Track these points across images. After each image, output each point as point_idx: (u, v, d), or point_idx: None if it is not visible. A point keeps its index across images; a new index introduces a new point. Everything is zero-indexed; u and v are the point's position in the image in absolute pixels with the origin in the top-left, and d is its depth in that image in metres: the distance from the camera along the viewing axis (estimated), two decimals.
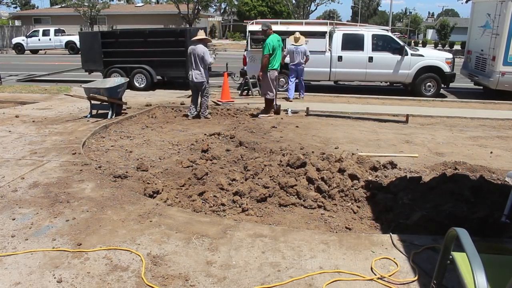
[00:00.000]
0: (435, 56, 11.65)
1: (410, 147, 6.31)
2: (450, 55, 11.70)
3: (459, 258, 2.01)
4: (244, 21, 14.98)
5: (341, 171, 4.54)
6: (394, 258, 2.99)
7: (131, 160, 5.52)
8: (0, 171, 4.81)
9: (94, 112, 7.81)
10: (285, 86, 11.84)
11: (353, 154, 5.28)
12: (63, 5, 41.81)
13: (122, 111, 8.06)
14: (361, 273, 2.83)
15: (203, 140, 6.29)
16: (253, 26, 11.91)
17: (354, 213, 4.02)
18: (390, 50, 11.31)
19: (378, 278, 2.76)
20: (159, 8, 45.68)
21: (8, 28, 37.30)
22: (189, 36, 11.98)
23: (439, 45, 35.79)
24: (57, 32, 30.83)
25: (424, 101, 10.48)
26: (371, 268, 2.88)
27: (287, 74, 11.74)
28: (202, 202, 4.18)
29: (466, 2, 28.33)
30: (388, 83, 12.58)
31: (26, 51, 30.32)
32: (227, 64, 13.34)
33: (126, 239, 3.27)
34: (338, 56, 11.34)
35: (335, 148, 6.11)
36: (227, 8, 56.98)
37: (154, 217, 3.65)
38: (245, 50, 12.25)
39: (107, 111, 7.67)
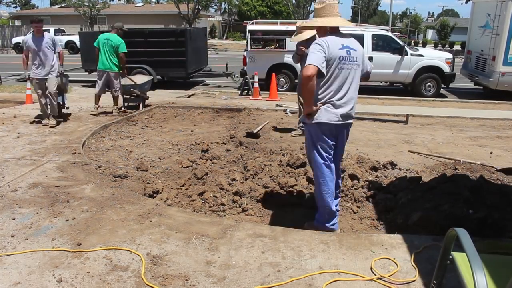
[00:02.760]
0: (435, 56, 11.66)
1: (410, 147, 6.31)
2: (450, 55, 11.70)
3: (459, 258, 2.01)
4: (244, 21, 14.99)
5: (341, 171, 4.54)
6: (394, 258, 2.99)
7: (131, 160, 5.52)
8: (0, 171, 4.81)
9: (126, 104, 8.76)
10: (285, 86, 11.85)
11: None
12: (63, 5, 41.83)
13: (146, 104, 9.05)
14: (361, 273, 2.83)
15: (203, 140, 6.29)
16: (253, 26, 11.91)
17: (354, 213, 4.02)
18: (390, 50, 11.30)
19: (378, 278, 2.76)
20: (159, 8, 45.65)
21: (8, 28, 37.30)
22: (189, 36, 12.01)
23: (439, 45, 35.79)
24: (57, 32, 30.81)
25: (424, 101, 10.48)
26: (371, 268, 2.88)
27: (287, 74, 11.76)
28: (202, 202, 4.18)
29: (466, 2, 28.32)
30: (388, 83, 12.58)
31: None
32: (227, 64, 13.35)
33: (126, 239, 3.27)
34: None
35: None
36: (227, 8, 56.98)
37: (154, 217, 3.64)
38: (245, 50, 12.24)
39: (136, 103, 8.83)
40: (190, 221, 3.60)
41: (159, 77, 12.30)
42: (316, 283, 2.71)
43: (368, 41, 11.27)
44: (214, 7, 45.32)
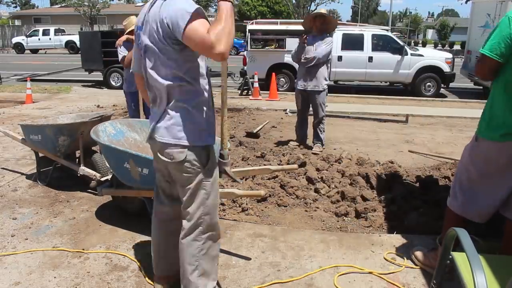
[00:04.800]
0: (435, 56, 11.67)
1: (410, 147, 6.31)
2: (450, 55, 11.71)
3: (459, 258, 2.00)
4: (244, 21, 14.99)
5: (341, 171, 4.54)
6: (394, 258, 2.99)
7: None
8: (0, 171, 4.80)
9: None
10: (285, 85, 11.84)
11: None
12: (63, 5, 41.88)
13: None
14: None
15: None
16: (253, 26, 11.92)
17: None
18: (390, 50, 11.31)
19: (378, 278, 2.76)
20: None
21: (8, 27, 37.32)
22: None
23: (439, 45, 35.81)
24: (57, 31, 30.86)
25: (424, 101, 10.49)
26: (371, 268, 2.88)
27: (287, 74, 11.76)
28: None
29: (466, 2, 28.33)
30: (388, 83, 12.59)
31: (26, 51, 30.34)
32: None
33: (126, 239, 3.27)
34: (338, 56, 11.34)
35: (334, 149, 6.11)
36: None
37: None
38: (245, 50, 12.24)
39: None
40: None
41: None
42: (316, 282, 2.71)
43: (368, 41, 11.28)
44: (214, 7, 45.31)
